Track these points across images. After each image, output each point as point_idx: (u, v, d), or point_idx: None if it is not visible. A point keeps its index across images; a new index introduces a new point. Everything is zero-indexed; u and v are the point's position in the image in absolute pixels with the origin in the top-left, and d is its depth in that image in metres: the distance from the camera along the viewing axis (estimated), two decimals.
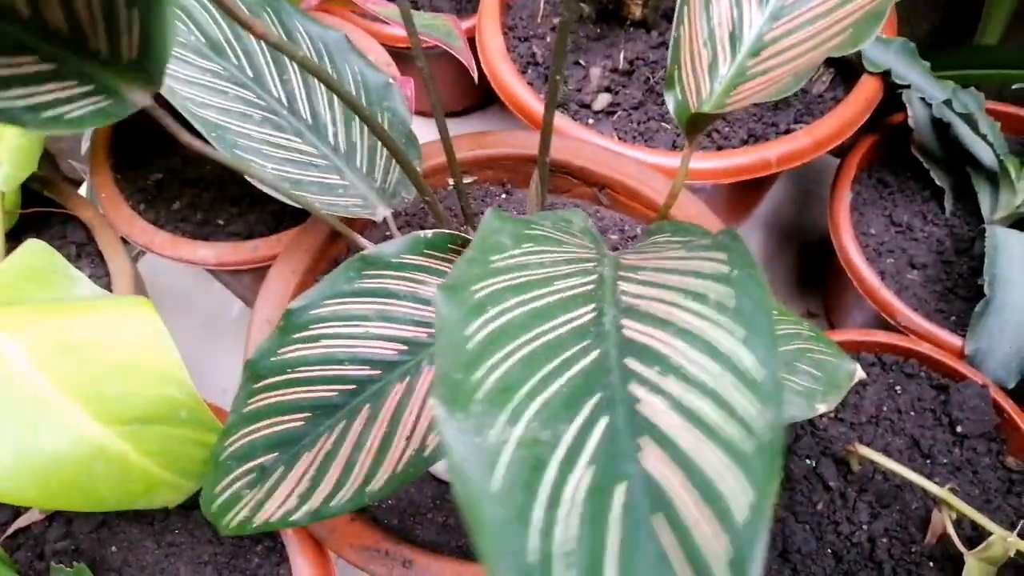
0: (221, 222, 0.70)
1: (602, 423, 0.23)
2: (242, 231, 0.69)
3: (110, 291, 0.67)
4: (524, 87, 0.69)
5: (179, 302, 0.87)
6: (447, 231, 0.40)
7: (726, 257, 0.28)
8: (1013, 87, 0.67)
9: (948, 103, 0.65)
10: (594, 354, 0.26)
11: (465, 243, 0.41)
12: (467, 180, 0.66)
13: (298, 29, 0.47)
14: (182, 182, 0.71)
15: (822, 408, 0.42)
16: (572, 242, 0.34)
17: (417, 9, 0.89)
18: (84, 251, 0.67)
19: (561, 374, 0.25)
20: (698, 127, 0.34)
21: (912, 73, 0.68)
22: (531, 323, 0.27)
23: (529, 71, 0.73)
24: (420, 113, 0.99)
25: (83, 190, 0.82)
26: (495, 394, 0.24)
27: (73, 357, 0.42)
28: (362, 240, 0.42)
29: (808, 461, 0.60)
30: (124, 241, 0.68)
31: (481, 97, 0.99)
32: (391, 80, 0.47)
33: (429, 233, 0.41)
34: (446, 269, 0.41)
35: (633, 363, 0.25)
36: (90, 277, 0.67)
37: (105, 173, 0.69)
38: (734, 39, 0.33)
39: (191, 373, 0.84)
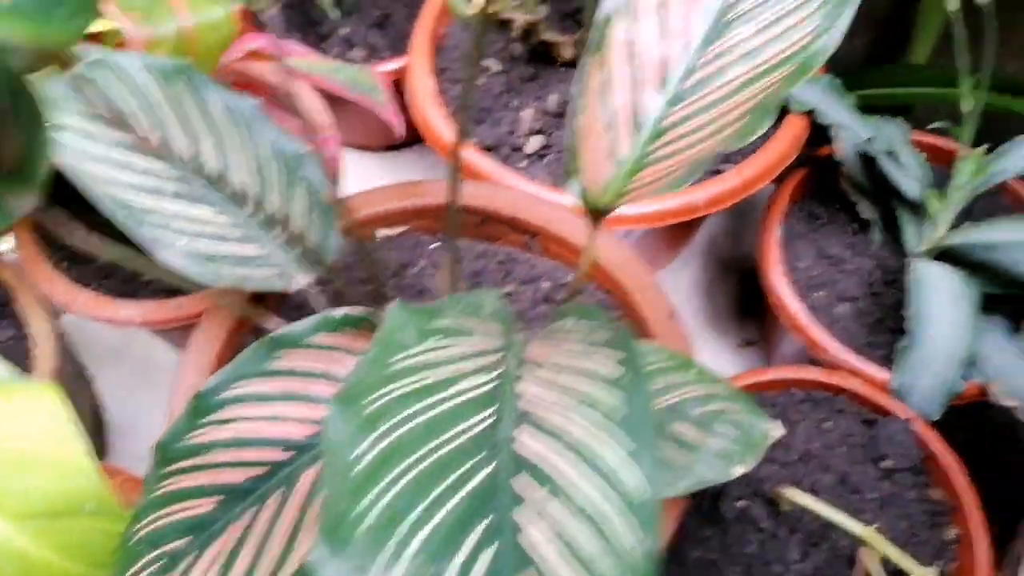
0: (147, 278, 0.68)
1: (485, 557, 0.23)
2: (168, 287, 0.67)
3: (30, 354, 0.65)
4: (453, 132, 0.69)
5: (112, 351, 0.85)
6: (357, 312, 0.40)
7: (622, 357, 0.28)
8: (929, 127, 0.69)
9: (872, 140, 0.66)
10: (486, 471, 0.26)
11: (374, 325, 0.40)
12: (398, 231, 0.65)
13: (213, 99, 0.46)
14: (106, 237, 0.69)
15: (740, 470, 0.43)
16: (480, 330, 0.34)
17: (352, 47, 0.88)
18: (4, 312, 0.66)
19: (450, 497, 0.25)
20: (602, 216, 0.34)
21: (837, 111, 0.69)
22: (425, 437, 0.27)
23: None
24: (362, 147, 0.98)
25: (3, 245, 0.80)
26: (379, 527, 0.23)
27: None
28: (272, 321, 0.42)
29: (739, 503, 0.60)
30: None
31: (417, 132, 0.98)
32: (306, 150, 0.47)
33: (339, 313, 0.40)
34: (359, 346, 0.41)
35: (522, 484, 0.25)
36: (10, 339, 0.66)
37: (26, 230, 0.67)
38: (635, 123, 0.33)
39: (123, 426, 0.82)
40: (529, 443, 0.27)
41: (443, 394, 0.29)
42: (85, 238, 0.32)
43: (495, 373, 0.31)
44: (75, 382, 0.76)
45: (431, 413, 0.28)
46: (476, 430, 0.27)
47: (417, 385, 0.29)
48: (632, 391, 0.26)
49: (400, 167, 0.97)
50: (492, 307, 0.37)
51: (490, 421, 0.28)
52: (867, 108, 0.80)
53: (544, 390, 0.29)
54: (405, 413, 0.27)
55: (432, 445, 0.27)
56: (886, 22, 0.98)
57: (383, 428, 0.27)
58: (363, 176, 0.96)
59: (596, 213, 0.34)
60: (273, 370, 0.40)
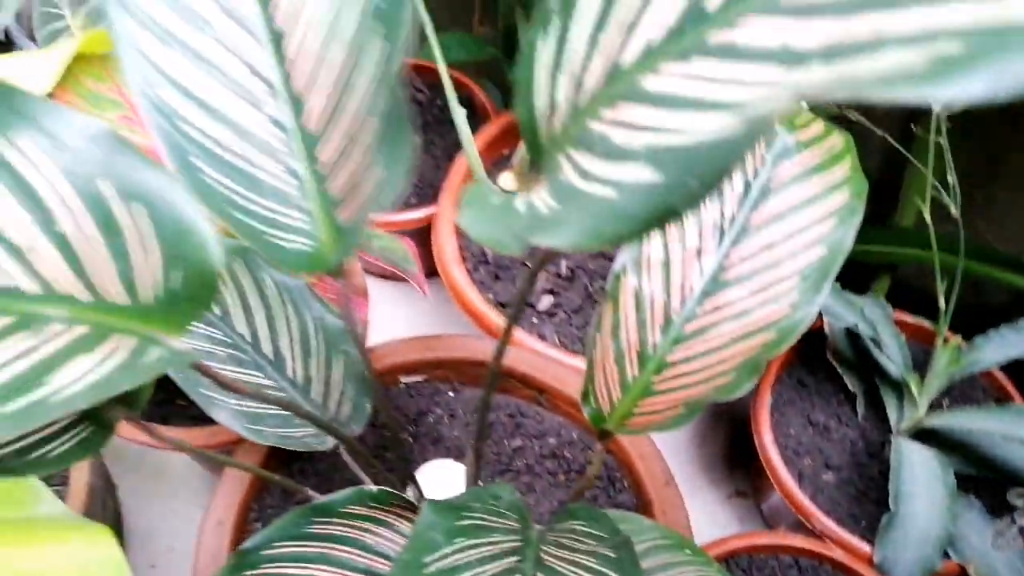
0: (182, 403, 0.73)
1: None
2: (201, 413, 0.72)
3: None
4: (474, 291, 0.75)
5: (134, 458, 0.90)
6: (390, 489, 0.44)
7: None
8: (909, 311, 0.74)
9: (856, 326, 0.72)
10: None
11: (407, 503, 0.45)
12: (417, 379, 0.70)
13: (267, 277, 0.52)
14: None
15: None
16: (500, 526, 0.38)
17: None
18: None
19: None
20: (609, 436, 0.39)
21: None
22: None
23: (480, 270, 0.79)
24: (385, 276, 1.04)
25: None
26: None
27: None
28: (308, 491, 0.46)
29: None
30: None
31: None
32: (346, 327, 0.52)
33: (374, 488, 0.45)
34: (388, 519, 0.45)
35: None
36: None
37: None
38: (641, 358, 0.39)
39: (140, 531, 0.86)
40: None
41: None
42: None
43: None
44: (103, 491, 0.80)
45: None
46: None
47: None
48: None
49: (422, 297, 1.03)
50: (508, 499, 0.42)
51: None
52: (856, 263, 0.86)
53: None
54: None
55: None
56: (876, 185, 1.06)
57: None
58: (387, 305, 1.02)
59: (604, 434, 0.39)
60: (310, 534, 0.44)
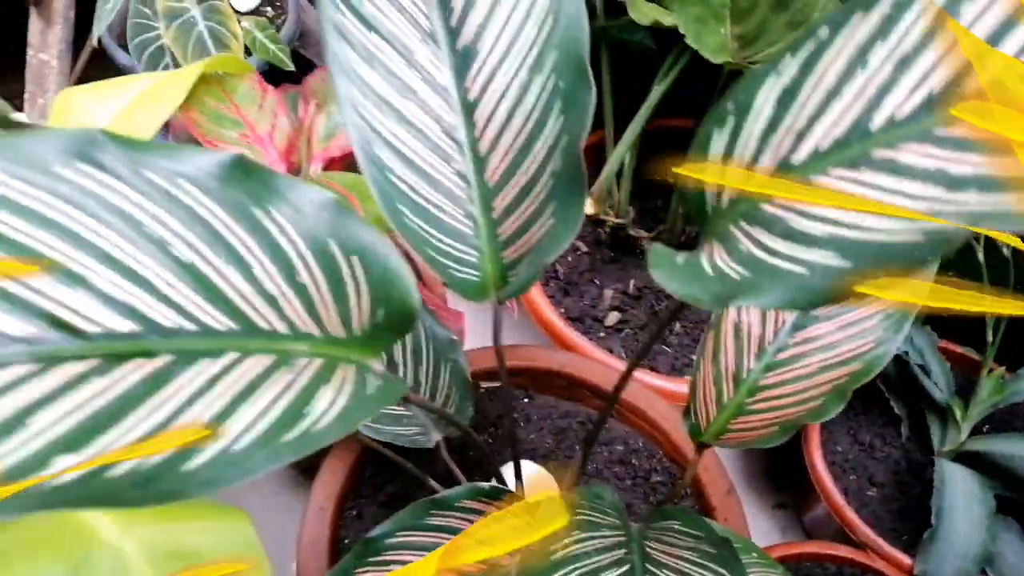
0: None
1: None
2: None
3: None
4: (548, 305, 0.80)
5: None
6: (501, 486, 0.50)
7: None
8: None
9: (905, 353, 0.77)
10: None
11: (516, 499, 0.50)
12: (495, 384, 0.76)
13: None
14: None
15: None
16: (606, 523, 0.44)
17: None
18: None
19: None
20: (705, 447, 0.44)
21: None
22: None
23: (551, 284, 0.85)
24: None
25: None
26: None
27: (179, 561, 0.50)
28: (432, 483, 0.52)
29: None
30: None
31: None
32: (455, 337, 0.58)
33: (487, 485, 0.50)
34: (492, 511, 0.51)
35: None
36: None
37: None
38: (736, 380, 0.44)
39: None
40: None
41: None
42: None
43: (626, 568, 0.41)
44: None
45: None
46: None
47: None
48: None
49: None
50: (610, 499, 0.47)
51: None
52: None
53: None
54: None
55: None
56: None
57: None
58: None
59: (700, 444, 0.45)
60: (428, 525, 0.50)
